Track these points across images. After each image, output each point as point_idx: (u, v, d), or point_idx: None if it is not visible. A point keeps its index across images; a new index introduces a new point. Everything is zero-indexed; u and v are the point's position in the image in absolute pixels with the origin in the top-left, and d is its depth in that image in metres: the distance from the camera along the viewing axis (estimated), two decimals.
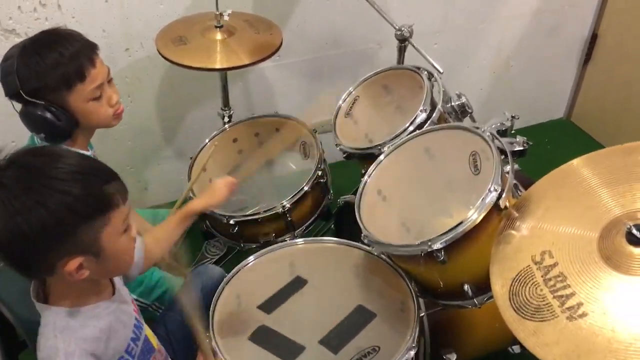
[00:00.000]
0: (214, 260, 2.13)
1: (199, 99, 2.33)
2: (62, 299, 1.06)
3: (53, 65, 1.30)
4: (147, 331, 1.23)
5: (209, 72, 1.84)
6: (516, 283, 1.11)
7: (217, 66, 1.81)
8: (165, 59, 1.81)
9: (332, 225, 1.95)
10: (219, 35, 1.88)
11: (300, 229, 1.77)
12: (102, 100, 1.40)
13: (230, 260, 2.13)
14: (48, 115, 1.32)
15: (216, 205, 1.60)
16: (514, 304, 1.08)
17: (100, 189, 0.98)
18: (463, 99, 1.68)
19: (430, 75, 1.69)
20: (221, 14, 1.88)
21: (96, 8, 1.98)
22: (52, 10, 1.93)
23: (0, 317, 1.57)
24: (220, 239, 1.84)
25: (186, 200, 1.72)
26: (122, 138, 2.30)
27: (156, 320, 1.49)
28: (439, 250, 1.24)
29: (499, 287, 1.13)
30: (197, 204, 1.54)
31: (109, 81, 1.43)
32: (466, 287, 1.32)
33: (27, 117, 1.34)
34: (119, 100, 1.46)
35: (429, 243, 1.24)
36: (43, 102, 1.32)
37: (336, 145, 1.73)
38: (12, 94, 1.33)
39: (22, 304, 1.51)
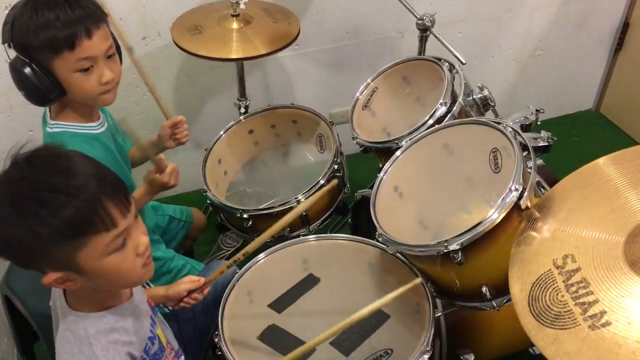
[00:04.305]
0: (229, 252, 2.11)
1: (216, 89, 2.30)
2: (83, 304, 1.03)
3: (44, 26, 1.23)
4: (158, 329, 1.21)
5: (226, 62, 1.81)
6: (536, 288, 1.07)
7: (233, 56, 1.77)
8: (181, 48, 1.78)
9: (349, 220, 1.91)
10: (235, 24, 1.84)
11: (316, 223, 1.73)
12: (91, 74, 1.30)
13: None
14: (29, 73, 1.26)
15: (170, 298, 1.36)
16: (534, 309, 1.03)
17: (70, 214, 0.89)
18: (485, 92, 1.62)
19: (452, 67, 1.64)
20: (237, 2, 1.84)
21: None
22: None
23: (14, 310, 1.58)
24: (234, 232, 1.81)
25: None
26: (140, 127, 2.28)
27: (167, 315, 1.47)
28: (455, 251, 1.19)
29: (518, 291, 1.08)
30: (157, 291, 1.38)
31: (109, 57, 1.34)
32: (484, 289, 1.28)
33: (12, 71, 1.29)
34: (112, 81, 1.34)
35: (446, 244, 1.20)
36: (28, 60, 1.26)
37: (353, 138, 1.68)
38: (3, 43, 1.30)
39: (35, 297, 1.51)
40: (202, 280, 1.33)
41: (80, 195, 0.90)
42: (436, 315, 1.30)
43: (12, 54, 1.31)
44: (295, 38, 1.85)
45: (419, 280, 1.25)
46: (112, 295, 1.08)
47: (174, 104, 2.29)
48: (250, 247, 1.35)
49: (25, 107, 1.34)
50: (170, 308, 1.52)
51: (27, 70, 1.26)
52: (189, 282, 1.33)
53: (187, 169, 2.42)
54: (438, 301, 1.36)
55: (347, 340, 1.28)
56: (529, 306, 1.04)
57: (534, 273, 1.08)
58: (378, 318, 1.32)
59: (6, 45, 1.29)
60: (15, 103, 2.00)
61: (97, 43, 1.28)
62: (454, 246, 1.19)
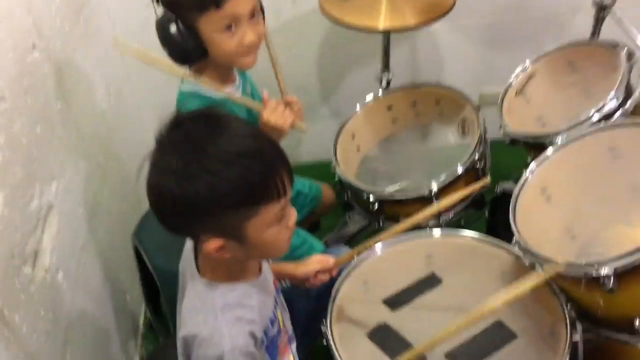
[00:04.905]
0: (355, 230, 2.03)
1: (360, 59, 2.20)
2: (216, 274, 1.01)
3: None
4: (278, 311, 1.17)
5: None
6: None
7: (380, 26, 1.66)
8: (327, 14, 1.71)
9: (486, 215, 1.75)
10: None
11: (447, 215, 1.59)
12: (234, 34, 1.28)
13: (370, 234, 2.02)
14: (174, 30, 1.27)
15: (298, 277, 1.31)
16: None
17: (256, 179, 0.89)
18: None
19: (631, 55, 1.40)
20: None
21: None
22: None
23: (142, 261, 1.63)
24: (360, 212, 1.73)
25: None
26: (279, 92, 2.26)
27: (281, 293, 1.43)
28: (608, 276, 1.01)
29: None
30: (286, 267, 1.34)
31: (253, 17, 1.31)
32: (637, 322, 1.08)
33: (158, 27, 1.30)
34: (254, 43, 1.31)
35: (596, 266, 1.02)
36: (175, 16, 1.27)
37: (500, 127, 1.51)
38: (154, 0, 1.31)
39: (160, 254, 1.55)
40: (332, 261, 1.28)
41: (264, 161, 0.90)
42: (574, 341, 1.12)
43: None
44: (451, 9, 1.69)
45: (561, 266, 1.08)
46: (246, 268, 1.05)
47: (314, 70, 2.23)
48: (384, 237, 1.29)
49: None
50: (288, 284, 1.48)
51: (173, 27, 1.27)
52: (317, 263, 1.28)
53: (320, 138, 2.38)
54: (578, 326, 1.18)
55: (465, 355, 1.15)
56: None
57: None
58: (503, 336, 1.17)
59: (155, 2, 1.30)
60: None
61: (243, 3, 1.27)
62: (606, 270, 1.01)
